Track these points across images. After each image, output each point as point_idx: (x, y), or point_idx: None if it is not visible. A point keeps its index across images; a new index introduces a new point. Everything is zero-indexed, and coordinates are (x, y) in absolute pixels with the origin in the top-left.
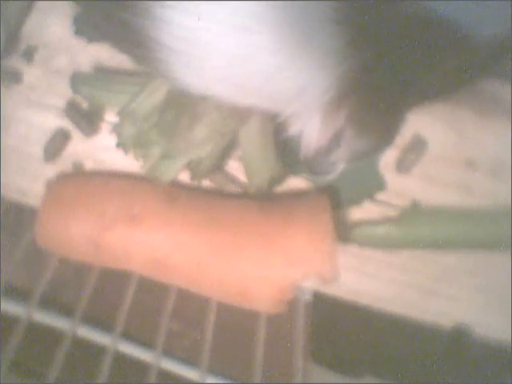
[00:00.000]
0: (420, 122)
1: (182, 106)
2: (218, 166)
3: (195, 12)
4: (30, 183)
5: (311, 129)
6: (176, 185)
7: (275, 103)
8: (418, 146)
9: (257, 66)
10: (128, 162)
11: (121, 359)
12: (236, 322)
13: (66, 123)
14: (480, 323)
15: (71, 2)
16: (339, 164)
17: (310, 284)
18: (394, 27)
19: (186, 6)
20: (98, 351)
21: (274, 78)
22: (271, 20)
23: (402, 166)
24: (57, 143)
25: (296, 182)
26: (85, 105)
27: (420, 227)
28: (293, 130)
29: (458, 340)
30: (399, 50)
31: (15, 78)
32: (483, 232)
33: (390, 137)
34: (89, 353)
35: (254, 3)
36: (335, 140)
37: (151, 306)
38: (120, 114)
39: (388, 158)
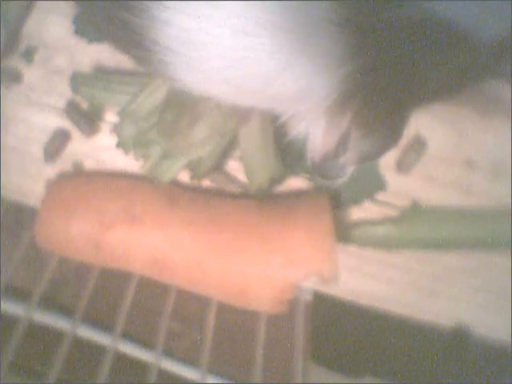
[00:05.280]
0: (420, 122)
1: (181, 106)
2: (218, 165)
3: (194, 14)
4: (30, 183)
5: (317, 133)
6: (176, 185)
7: (276, 105)
8: (418, 146)
9: (256, 68)
10: (128, 162)
11: (121, 359)
12: (236, 322)
13: (66, 123)
14: (480, 323)
15: (71, 2)
16: (348, 167)
17: (310, 284)
18: (395, 28)
19: (186, 7)
20: (98, 351)
21: (274, 80)
22: (270, 23)
23: (402, 166)
24: (57, 143)
25: (296, 182)
26: (85, 105)
27: (420, 227)
28: (295, 131)
29: (458, 340)
30: (401, 51)
31: (15, 78)
32: (483, 232)
33: (396, 136)
34: (89, 353)
35: (253, 6)
36: (342, 143)
37: (151, 306)
38: (120, 114)
39: (388, 158)
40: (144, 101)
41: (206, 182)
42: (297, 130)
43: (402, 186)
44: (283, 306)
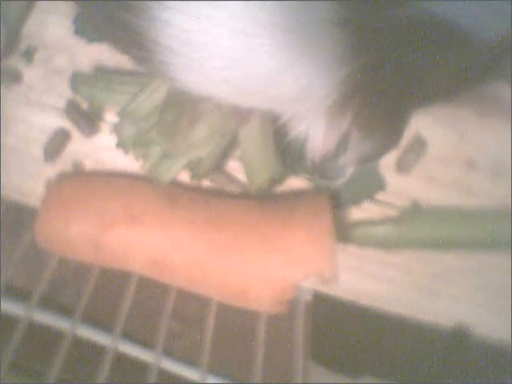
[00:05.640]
0: (420, 122)
1: (181, 106)
2: (218, 165)
3: (195, 14)
4: (30, 183)
5: (317, 133)
6: (176, 185)
7: (276, 105)
8: (418, 146)
9: (257, 68)
10: (128, 162)
11: (121, 359)
12: (236, 322)
13: (66, 123)
14: (480, 323)
15: (71, 2)
16: (348, 167)
17: (310, 284)
18: (395, 29)
19: (186, 8)
20: (98, 351)
21: (275, 80)
22: (270, 23)
23: (402, 166)
24: (57, 143)
25: (296, 182)
26: (85, 105)
27: (420, 227)
28: (295, 132)
29: (458, 340)
30: (401, 51)
31: (15, 77)
32: (483, 232)
33: (396, 137)
34: (89, 353)
35: (253, 6)
36: (342, 144)
37: (151, 306)
38: (120, 114)
39: (388, 158)
40: (144, 101)
41: (206, 182)
42: (297, 130)
43: (401, 186)
44: (283, 306)
